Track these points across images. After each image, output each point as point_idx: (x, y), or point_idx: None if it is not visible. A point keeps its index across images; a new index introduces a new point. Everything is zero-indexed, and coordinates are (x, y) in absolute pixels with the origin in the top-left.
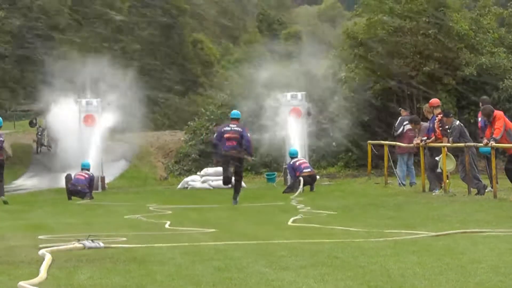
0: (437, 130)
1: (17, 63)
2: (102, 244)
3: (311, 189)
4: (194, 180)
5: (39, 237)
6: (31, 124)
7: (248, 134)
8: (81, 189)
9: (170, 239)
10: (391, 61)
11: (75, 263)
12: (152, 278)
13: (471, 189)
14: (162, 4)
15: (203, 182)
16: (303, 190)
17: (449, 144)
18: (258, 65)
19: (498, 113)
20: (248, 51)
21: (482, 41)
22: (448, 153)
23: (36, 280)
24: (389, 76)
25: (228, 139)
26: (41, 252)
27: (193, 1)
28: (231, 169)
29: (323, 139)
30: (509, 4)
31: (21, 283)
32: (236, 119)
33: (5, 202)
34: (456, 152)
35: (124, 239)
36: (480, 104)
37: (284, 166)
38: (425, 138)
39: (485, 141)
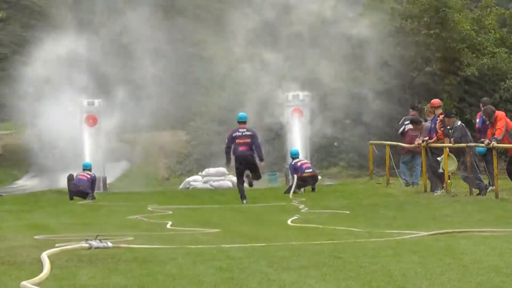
0: (438, 130)
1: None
2: (110, 244)
3: (313, 190)
4: (196, 181)
5: (35, 237)
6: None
7: (259, 140)
8: (83, 189)
9: (171, 239)
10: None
11: (76, 263)
12: (154, 278)
13: (473, 189)
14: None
15: (205, 182)
16: (304, 190)
17: (450, 145)
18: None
19: (500, 113)
20: None
21: (483, 41)
22: (449, 153)
23: (38, 279)
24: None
25: (239, 144)
26: (43, 253)
27: None
28: (245, 177)
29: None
30: (510, 5)
31: (24, 282)
32: (244, 122)
33: None
34: (458, 153)
35: (132, 238)
36: (481, 105)
37: (285, 167)
38: (426, 138)
39: (486, 141)
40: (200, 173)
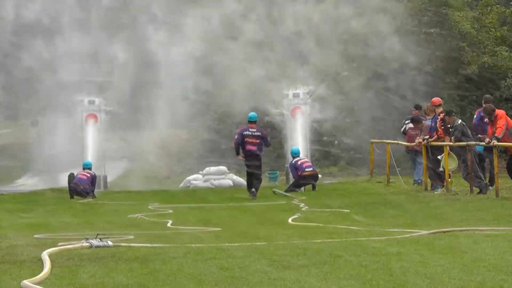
0: (439, 129)
1: None
2: (110, 243)
3: (313, 188)
4: (196, 179)
5: (36, 236)
6: (33, 123)
7: (269, 140)
8: (83, 189)
9: (172, 238)
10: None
11: (77, 262)
12: (155, 277)
13: (473, 188)
14: None
15: (205, 181)
16: (304, 189)
17: (451, 143)
18: None
19: (500, 112)
20: None
21: (484, 40)
22: (450, 152)
23: (38, 278)
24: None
25: (248, 143)
26: (44, 253)
27: None
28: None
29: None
30: (511, 3)
31: (25, 281)
32: (254, 122)
33: None
34: (458, 151)
35: (132, 237)
36: (483, 101)
37: (286, 165)
38: (427, 137)
39: (487, 139)
40: (200, 172)
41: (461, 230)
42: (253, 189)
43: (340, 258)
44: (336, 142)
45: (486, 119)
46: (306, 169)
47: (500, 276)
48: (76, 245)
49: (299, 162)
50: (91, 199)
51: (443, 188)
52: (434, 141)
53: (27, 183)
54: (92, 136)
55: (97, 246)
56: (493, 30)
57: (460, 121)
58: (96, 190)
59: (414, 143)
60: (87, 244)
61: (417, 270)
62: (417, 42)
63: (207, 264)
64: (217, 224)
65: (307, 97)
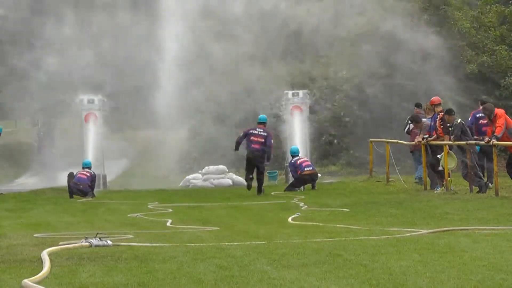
0: (438, 128)
1: None
2: (110, 242)
3: (313, 188)
4: (196, 178)
5: (35, 235)
6: (33, 123)
7: (272, 141)
8: (83, 188)
9: (171, 237)
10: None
11: (77, 261)
12: (154, 276)
13: (473, 187)
14: None
15: (205, 180)
16: (304, 188)
17: (450, 142)
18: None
19: (499, 111)
20: None
21: (483, 39)
22: (449, 151)
23: (38, 278)
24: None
25: (253, 141)
26: (43, 252)
27: None
28: (253, 173)
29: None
30: (510, 2)
31: (25, 280)
32: (263, 123)
33: None
34: (458, 150)
35: (131, 236)
36: (479, 103)
37: (285, 165)
38: (426, 136)
39: (486, 139)
40: (200, 171)
41: (460, 230)
42: (251, 176)
43: (340, 257)
44: (335, 141)
45: (481, 121)
46: (305, 168)
47: (500, 275)
48: (76, 245)
49: (298, 161)
50: (91, 199)
51: (443, 187)
52: (433, 140)
53: (26, 182)
54: (91, 135)
55: (96, 246)
56: (492, 29)
57: (459, 120)
58: (95, 190)
59: (414, 142)
60: (87, 243)
61: (417, 269)
62: (417, 41)
63: (206, 263)
64: (216, 223)
65: (306, 96)
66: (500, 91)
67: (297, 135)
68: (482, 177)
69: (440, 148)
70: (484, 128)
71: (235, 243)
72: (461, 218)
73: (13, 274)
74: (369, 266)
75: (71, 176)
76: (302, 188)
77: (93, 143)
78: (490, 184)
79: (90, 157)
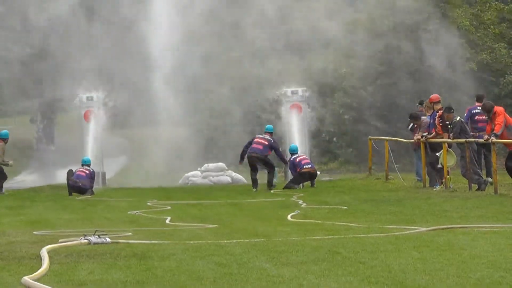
0: (437, 125)
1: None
2: (109, 240)
3: (312, 185)
4: (195, 176)
5: (34, 232)
6: (32, 120)
7: (278, 146)
8: (82, 186)
9: (170, 235)
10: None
11: (76, 258)
12: (153, 274)
13: (472, 184)
14: None
15: (204, 177)
16: (303, 186)
17: (449, 140)
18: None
19: (499, 108)
20: None
21: (483, 36)
22: (448, 149)
23: (37, 275)
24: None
25: (256, 142)
26: (42, 249)
27: None
28: (257, 172)
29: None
30: (509, 0)
31: (25, 278)
32: (270, 133)
33: None
34: (456, 148)
35: (130, 234)
36: (476, 99)
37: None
38: (425, 133)
39: (485, 136)
40: (199, 169)
41: (459, 227)
42: (256, 182)
43: (339, 254)
44: (334, 139)
45: (477, 117)
46: (304, 166)
47: (499, 273)
48: (75, 242)
49: (297, 159)
50: (90, 196)
51: (442, 185)
52: (432, 137)
53: (26, 179)
54: (90, 132)
55: (95, 243)
56: (491, 27)
57: (459, 117)
58: (94, 187)
59: (413, 140)
60: (86, 240)
61: (416, 267)
62: (416, 39)
63: (205, 260)
64: (215, 221)
65: (305, 94)
66: (500, 89)
67: (296, 133)
68: (481, 175)
69: (439, 146)
70: (480, 124)
71: (234, 241)
72: (460, 216)
73: (12, 271)
74: (368, 264)
75: (70, 173)
76: (301, 185)
77: (92, 141)
78: (489, 179)
79: (89, 154)
